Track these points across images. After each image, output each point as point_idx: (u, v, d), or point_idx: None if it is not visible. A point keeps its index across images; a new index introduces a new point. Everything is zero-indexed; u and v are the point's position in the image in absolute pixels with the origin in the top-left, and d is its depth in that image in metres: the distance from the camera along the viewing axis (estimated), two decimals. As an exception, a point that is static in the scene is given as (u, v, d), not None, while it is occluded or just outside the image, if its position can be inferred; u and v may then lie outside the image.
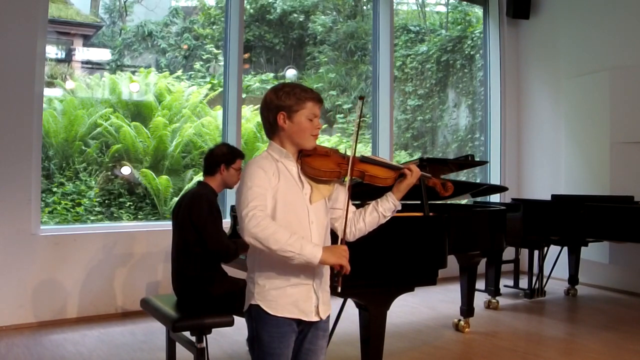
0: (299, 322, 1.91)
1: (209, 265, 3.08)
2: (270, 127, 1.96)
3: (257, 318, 1.89)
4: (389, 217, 2.05)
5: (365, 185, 2.06)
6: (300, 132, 1.93)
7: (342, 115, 7.98)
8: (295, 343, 1.95)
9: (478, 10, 7.75)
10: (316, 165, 1.93)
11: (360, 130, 2.06)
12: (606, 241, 5.49)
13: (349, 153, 1.99)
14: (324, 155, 1.97)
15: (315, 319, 1.92)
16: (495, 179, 7.16)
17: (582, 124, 6.28)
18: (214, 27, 7.56)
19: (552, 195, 5.58)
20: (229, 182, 3.27)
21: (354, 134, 1.98)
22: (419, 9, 9.08)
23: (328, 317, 2.00)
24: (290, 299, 1.88)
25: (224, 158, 3.23)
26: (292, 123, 1.92)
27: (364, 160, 2.02)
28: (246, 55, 7.39)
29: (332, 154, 1.99)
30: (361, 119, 2.05)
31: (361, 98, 2.00)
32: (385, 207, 2.02)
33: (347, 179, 1.94)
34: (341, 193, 2.04)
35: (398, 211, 2.08)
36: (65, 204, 6.06)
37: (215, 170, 3.23)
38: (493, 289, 5.20)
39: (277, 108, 1.92)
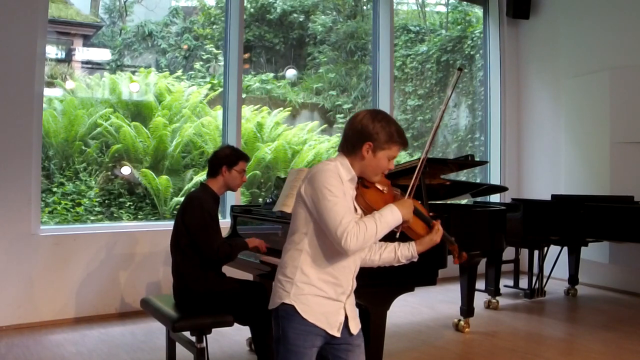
0: (324, 332, 1.95)
1: (206, 266, 3.07)
2: (351, 148, 1.97)
3: (285, 316, 1.93)
4: (402, 264, 2.12)
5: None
6: (376, 168, 1.98)
7: (342, 115, 7.98)
8: (330, 345, 1.99)
9: (478, 10, 7.75)
10: (370, 201, 1.97)
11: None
12: (606, 241, 5.49)
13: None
14: (380, 191, 2.01)
15: (337, 334, 1.96)
16: (495, 179, 7.16)
17: (582, 124, 6.28)
18: (214, 27, 7.56)
19: (552, 195, 5.58)
20: (231, 185, 3.24)
21: (417, 171, 2.08)
22: (419, 9, 9.08)
23: (360, 331, 2.06)
24: (322, 308, 1.93)
25: (226, 160, 3.20)
26: (374, 157, 1.95)
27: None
28: (246, 55, 7.39)
29: (388, 192, 2.03)
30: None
31: (460, 70, 2.13)
32: (404, 254, 2.08)
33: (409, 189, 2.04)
34: None
35: None
36: (65, 204, 6.06)
37: (217, 171, 3.20)
38: (493, 289, 5.19)
39: (368, 136, 1.94)
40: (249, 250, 3.23)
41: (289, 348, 1.92)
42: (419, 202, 2.13)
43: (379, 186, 2.02)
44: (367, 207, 1.97)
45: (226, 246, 3.08)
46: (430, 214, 3.14)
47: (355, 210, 1.99)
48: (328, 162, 1.96)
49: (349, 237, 1.80)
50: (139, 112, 6.77)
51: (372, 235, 1.84)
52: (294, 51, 8.17)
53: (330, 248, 1.90)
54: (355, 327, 2.02)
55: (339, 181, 1.90)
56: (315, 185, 1.88)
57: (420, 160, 2.10)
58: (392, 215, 1.89)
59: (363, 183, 2.00)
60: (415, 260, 2.11)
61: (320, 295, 1.92)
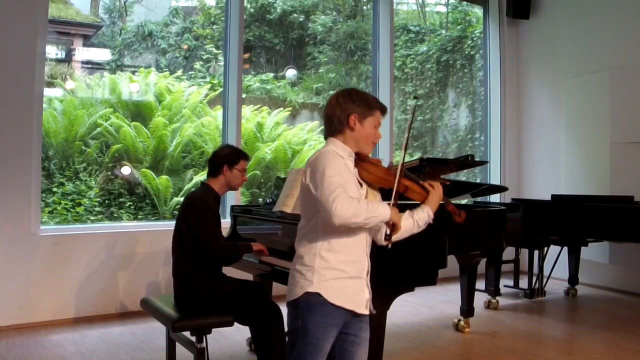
0: (346, 315, 1.99)
1: (207, 267, 3.07)
2: (338, 126, 2.07)
3: (307, 307, 1.96)
4: (422, 228, 2.15)
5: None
6: (366, 137, 2.07)
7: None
8: (338, 336, 2.03)
9: (478, 10, 7.75)
10: (372, 171, 2.08)
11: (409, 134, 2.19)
12: (606, 241, 5.49)
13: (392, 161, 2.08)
14: (375, 164, 2.10)
15: (365, 312, 2.04)
16: (495, 179, 7.16)
17: (582, 124, 6.27)
18: (214, 27, 7.56)
19: (552, 195, 5.58)
20: (233, 184, 3.23)
21: (404, 141, 2.15)
22: (419, 9, 9.08)
23: (367, 325, 2.10)
24: (347, 290, 1.99)
25: (227, 159, 3.19)
26: (362, 127, 2.06)
27: (406, 176, 2.14)
28: (246, 55, 7.39)
29: (379, 164, 2.12)
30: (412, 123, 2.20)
31: (416, 97, 2.17)
32: (420, 217, 2.13)
33: (394, 189, 2.07)
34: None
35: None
36: (65, 204, 6.06)
37: (218, 171, 3.19)
38: (493, 289, 5.19)
39: (350, 110, 2.05)
40: (252, 252, 3.24)
41: (309, 340, 1.95)
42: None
43: (372, 160, 2.12)
44: (373, 179, 2.08)
45: (232, 246, 3.10)
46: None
47: (361, 185, 2.07)
48: (322, 148, 2.05)
49: (339, 203, 1.86)
50: (139, 112, 6.77)
51: (362, 211, 1.89)
52: (294, 51, 8.17)
53: (342, 228, 1.94)
54: (370, 305, 2.07)
55: (338, 160, 1.98)
56: (314, 169, 1.96)
57: (399, 166, 2.12)
58: (382, 207, 1.96)
59: (359, 157, 2.09)
60: (431, 221, 2.15)
61: (343, 277, 1.98)
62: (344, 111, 2.04)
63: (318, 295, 1.94)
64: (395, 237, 2.10)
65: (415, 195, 2.14)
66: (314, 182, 1.94)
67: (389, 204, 2.03)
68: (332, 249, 1.97)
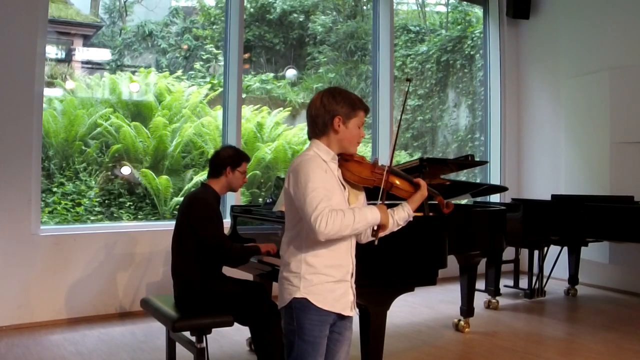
0: (334, 317, 2.02)
1: (206, 266, 3.07)
2: (322, 128, 2.06)
3: (300, 307, 1.97)
4: (401, 226, 2.15)
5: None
6: (351, 138, 2.07)
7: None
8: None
9: (478, 10, 7.75)
10: (356, 172, 2.07)
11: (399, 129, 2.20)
12: (606, 241, 5.49)
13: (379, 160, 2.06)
14: (360, 162, 2.10)
15: (351, 314, 2.06)
16: (495, 179, 7.16)
17: (582, 124, 6.27)
18: (214, 27, 7.56)
19: (552, 195, 5.58)
20: (234, 185, 3.23)
21: (392, 140, 2.12)
22: (419, 9, 9.08)
23: (351, 325, 2.13)
24: (333, 294, 2.00)
25: (229, 160, 3.19)
26: (347, 129, 2.05)
27: (393, 172, 2.14)
28: (246, 55, 7.39)
29: (365, 161, 2.13)
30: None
31: (408, 80, 2.32)
32: (400, 216, 2.12)
33: (381, 187, 2.07)
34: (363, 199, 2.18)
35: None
36: (65, 204, 6.06)
37: (220, 172, 3.19)
38: (493, 289, 5.19)
39: (334, 112, 2.04)
40: (261, 253, 3.21)
41: (306, 339, 1.97)
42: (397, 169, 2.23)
43: (357, 158, 2.11)
44: (357, 179, 2.07)
45: (239, 248, 3.09)
46: (430, 214, 3.15)
47: (344, 187, 2.07)
48: (305, 152, 2.04)
49: (322, 220, 1.85)
50: (139, 112, 6.77)
51: (348, 224, 1.89)
52: (294, 51, 8.17)
53: None
54: (354, 307, 2.09)
55: (320, 167, 1.97)
56: (297, 177, 1.95)
57: (386, 168, 2.12)
58: (370, 213, 1.96)
59: (343, 157, 2.09)
60: (412, 219, 2.16)
61: (330, 281, 1.99)
62: (327, 113, 2.03)
63: (306, 300, 1.96)
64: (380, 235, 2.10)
65: (401, 192, 2.15)
66: (297, 193, 1.93)
67: (375, 204, 2.02)
68: (318, 254, 1.98)
